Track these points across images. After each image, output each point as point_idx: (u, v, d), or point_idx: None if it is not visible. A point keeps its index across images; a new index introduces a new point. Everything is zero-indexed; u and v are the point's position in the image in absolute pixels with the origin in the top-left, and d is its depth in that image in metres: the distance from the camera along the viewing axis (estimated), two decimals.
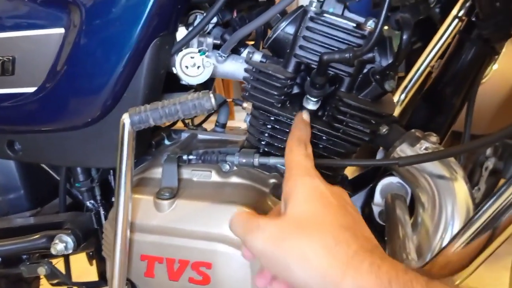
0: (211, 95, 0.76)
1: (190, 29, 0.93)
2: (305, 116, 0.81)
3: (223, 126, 1.11)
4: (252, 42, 1.12)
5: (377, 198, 0.92)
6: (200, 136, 1.08)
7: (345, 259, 0.52)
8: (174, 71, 0.92)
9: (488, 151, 2.19)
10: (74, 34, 0.82)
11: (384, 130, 0.87)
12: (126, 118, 0.76)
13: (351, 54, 0.80)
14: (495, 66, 1.74)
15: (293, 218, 0.58)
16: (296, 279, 0.55)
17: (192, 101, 0.76)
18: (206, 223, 0.83)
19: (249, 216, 0.61)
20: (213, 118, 1.13)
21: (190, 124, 1.21)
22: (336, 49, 0.85)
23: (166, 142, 1.08)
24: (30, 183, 1.15)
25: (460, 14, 1.31)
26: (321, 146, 0.91)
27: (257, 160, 0.88)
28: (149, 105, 0.77)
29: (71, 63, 0.84)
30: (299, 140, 0.72)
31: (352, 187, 1.00)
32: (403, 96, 1.60)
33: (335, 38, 0.85)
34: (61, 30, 0.84)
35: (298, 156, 0.68)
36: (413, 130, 0.88)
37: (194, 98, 0.76)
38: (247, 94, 0.90)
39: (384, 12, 0.80)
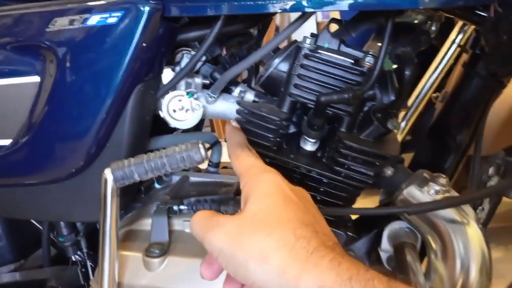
0: (200, 146, 0.69)
1: (177, 69, 0.87)
2: (234, 123, 0.78)
3: (216, 165, 1.05)
4: (244, 77, 1.07)
5: (385, 244, 0.85)
6: (192, 179, 1.01)
7: (304, 256, 0.50)
8: (161, 115, 0.85)
9: (491, 170, 2.13)
10: (51, 82, 0.76)
11: (389, 172, 0.81)
12: (108, 174, 0.70)
13: (350, 94, 0.74)
14: None
15: (252, 214, 0.56)
16: (255, 278, 0.52)
17: (180, 153, 0.69)
18: (201, 283, 0.76)
19: (209, 214, 0.59)
20: None
21: None
22: (333, 87, 0.79)
23: (156, 185, 1.02)
24: (12, 234, 1.08)
25: (458, 40, 1.27)
26: (321, 190, 0.85)
27: None
28: (133, 159, 0.70)
29: (49, 113, 0.77)
30: (240, 145, 0.70)
31: (356, 229, 0.93)
32: (403, 124, 1.56)
33: (332, 75, 0.80)
34: (36, 78, 0.78)
35: (248, 158, 0.66)
36: (420, 171, 0.82)
37: (182, 150, 0.69)
38: None
39: (384, 47, 0.75)
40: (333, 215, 0.85)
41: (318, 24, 4.36)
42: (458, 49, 1.23)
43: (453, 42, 1.23)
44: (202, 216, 0.60)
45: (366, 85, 0.76)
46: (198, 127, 0.98)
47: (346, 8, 0.65)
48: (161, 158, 0.69)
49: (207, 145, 1.00)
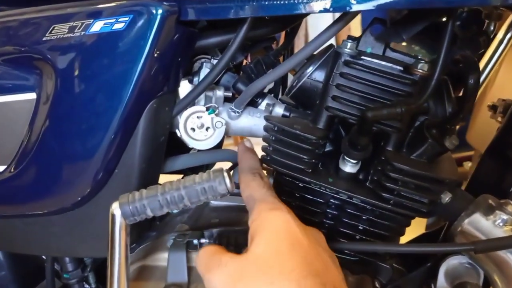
0: (225, 175, 0.58)
1: (195, 81, 0.75)
2: (248, 144, 0.72)
3: (239, 186, 0.93)
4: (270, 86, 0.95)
5: (442, 282, 0.73)
6: (213, 203, 0.90)
7: None
8: (178, 134, 0.74)
9: None
10: (49, 100, 0.65)
11: (446, 199, 0.68)
12: (116, 209, 0.59)
13: (403, 109, 0.62)
14: None
15: (256, 257, 0.52)
16: None
17: (200, 184, 0.58)
18: None
19: (213, 251, 0.56)
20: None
21: None
22: (379, 99, 0.68)
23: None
24: (15, 263, 0.98)
25: (507, 39, 1.13)
26: (364, 218, 0.73)
27: None
28: (146, 191, 0.59)
29: (47, 134, 0.67)
30: (252, 171, 0.65)
31: (405, 262, 0.80)
32: None
33: (378, 85, 0.68)
34: (32, 95, 0.67)
35: (258, 190, 0.61)
36: (483, 197, 0.69)
37: (203, 180, 0.58)
38: (268, 158, 0.72)
39: (444, 51, 0.62)
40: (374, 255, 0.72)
41: None
42: (507, 49, 1.09)
43: (501, 42, 1.10)
44: (206, 253, 0.56)
45: (421, 97, 0.64)
46: (218, 143, 0.87)
47: (405, 6, 0.53)
48: (178, 190, 0.58)
49: (229, 168, 0.89)
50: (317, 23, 3.43)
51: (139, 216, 0.59)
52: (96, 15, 0.61)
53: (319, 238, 0.59)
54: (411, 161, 0.69)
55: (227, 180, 0.58)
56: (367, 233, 0.73)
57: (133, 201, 0.59)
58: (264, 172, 0.67)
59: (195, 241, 0.73)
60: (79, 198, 0.70)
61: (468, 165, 1.84)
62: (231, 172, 0.60)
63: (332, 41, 0.71)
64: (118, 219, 0.59)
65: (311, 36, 3.35)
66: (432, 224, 0.88)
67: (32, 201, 0.74)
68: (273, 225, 0.55)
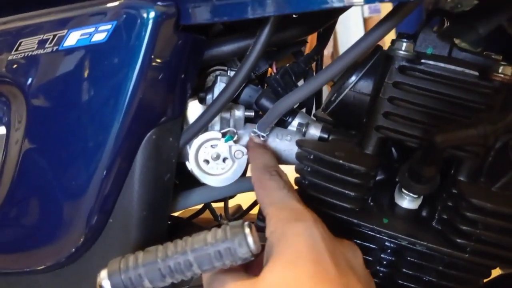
0: (247, 233, 0.43)
1: (208, 99, 0.60)
2: (257, 139, 0.61)
3: None
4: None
5: None
6: None
7: None
8: (189, 167, 0.59)
9: None
10: (20, 134, 0.51)
11: None
12: (104, 280, 0.45)
13: (486, 130, 0.45)
14: None
15: (267, 286, 0.42)
16: None
17: (214, 246, 0.43)
18: None
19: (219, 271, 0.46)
20: None
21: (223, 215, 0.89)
22: (448, 114, 0.52)
23: None
24: None
25: None
26: (432, 268, 0.56)
27: None
28: (143, 255, 0.45)
29: (21, 177, 0.53)
30: (268, 169, 0.55)
31: None
32: None
33: (446, 97, 0.52)
34: (1, 130, 0.53)
35: (277, 192, 0.52)
36: None
37: (218, 240, 0.43)
38: (304, 195, 0.56)
39: None
40: None
41: (365, 20, 3.99)
42: None
43: None
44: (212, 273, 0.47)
45: (508, 110, 0.47)
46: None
47: None
48: (185, 254, 0.44)
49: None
50: (345, 20, 3.24)
51: None
52: (71, 23, 0.47)
53: (354, 258, 0.48)
54: (494, 195, 0.53)
55: (250, 240, 0.43)
56: (433, 286, 0.57)
57: (126, 269, 0.44)
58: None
59: None
60: (73, 250, 0.56)
61: None
62: (254, 226, 0.45)
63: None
64: None
65: (340, 36, 3.17)
66: None
67: (15, 256, 0.60)
68: (294, 244, 0.45)
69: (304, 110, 0.74)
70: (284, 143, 0.63)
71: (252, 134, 0.61)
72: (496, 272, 0.77)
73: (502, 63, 0.51)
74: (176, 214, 0.86)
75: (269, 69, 0.69)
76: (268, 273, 0.43)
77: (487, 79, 0.51)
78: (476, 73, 0.52)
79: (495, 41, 0.62)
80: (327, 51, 3.13)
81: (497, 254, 0.52)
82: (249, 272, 0.49)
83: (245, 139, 0.62)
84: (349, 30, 3.16)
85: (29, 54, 0.48)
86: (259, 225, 0.80)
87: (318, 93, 0.77)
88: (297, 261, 0.43)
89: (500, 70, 0.51)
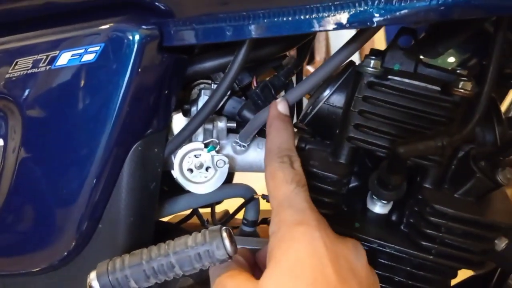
0: (224, 236, 0.47)
1: (193, 110, 0.64)
2: (282, 107, 0.55)
3: (253, 224, 0.82)
4: None
5: None
6: None
7: None
8: (174, 175, 0.63)
9: None
10: (16, 146, 0.55)
11: (502, 245, 0.55)
12: (93, 281, 0.49)
13: (444, 142, 0.49)
14: None
15: None
16: None
17: (194, 249, 0.47)
18: None
19: (223, 270, 0.47)
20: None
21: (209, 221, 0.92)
22: (413, 126, 0.55)
23: None
24: None
25: None
26: (401, 269, 0.60)
27: None
28: (129, 258, 0.49)
29: (17, 185, 0.57)
30: (281, 153, 0.51)
31: None
32: None
33: (410, 110, 0.56)
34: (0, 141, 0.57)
35: (284, 186, 0.48)
36: None
37: (198, 244, 0.47)
38: None
39: (493, 64, 0.49)
40: None
41: None
42: None
43: None
44: (214, 272, 0.48)
45: (466, 124, 0.51)
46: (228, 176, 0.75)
47: (438, 19, 0.40)
48: (167, 257, 0.47)
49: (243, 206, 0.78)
50: None
51: None
52: (63, 45, 0.51)
53: (357, 259, 0.47)
54: (456, 201, 0.56)
55: (227, 243, 0.47)
56: (403, 286, 0.61)
57: (113, 270, 0.48)
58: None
59: None
60: (65, 253, 0.60)
61: None
62: (232, 230, 0.49)
63: (356, 56, 0.59)
64: None
65: (333, 40, 3.21)
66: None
67: (11, 258, 0.64)
68: (293, 250, 0.43)
69: None
70: (264, 153, 0.67)
71: (236, 146, 0.65)
72: (468, 274, 0.81)
73: (463, 78, 0.55)
74: (166, 219, 0.90)
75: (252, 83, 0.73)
76: (267, 279, 0.43)
77: (448, 93, 0.55)
78: (438, 88, 0.55)
79: None
80: (319, 56, 3.17)
81: (460, 256, 0.56)
82: (255, 272, 0.50)
83: (227, 149, 0.66)
84: (342, 37, 3.20)
85: (25, 73, 0.52)
86: (244, 229, 0.84)
87: (298, 105, 0.82)
88: (296, 268, 0.42)
89: (460, 86, 0.55)
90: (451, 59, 0.83)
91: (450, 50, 0.64)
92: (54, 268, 0.62)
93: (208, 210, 0.98)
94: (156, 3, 0.49)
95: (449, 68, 0.59)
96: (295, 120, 0.82)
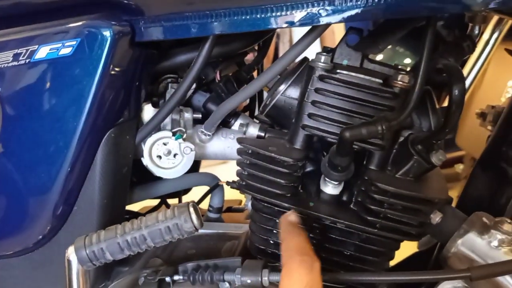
0: (191, 211, 0.52)
1: (161, 102, 0.69)
2: (293, 218, 0.58)
3: (218, 210, 0.87)
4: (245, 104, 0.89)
5: None
6: None
7: None
8: (144, 162, 0.68)
9: None
10: None
11: (437, 219, 0.63)
12: (71, 254, 0.53)
13: (383, 127, 0.56)
14: None
15: None
16: None
17: (164, 223, 0.52)
18: None
19: None
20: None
21: None
22: (359, 115, 0.63)
23: None
24: None
25: (493, 40, 1.08)
26: (350, 243, 0.67)
27: (266, 279, 0.63)
28: (104, 232, 0.54)
29: None
30: (302, 251, 0.51)
31: (398, 286, 0.75)
32: None
33: (356, 100, 0.63)
34: None
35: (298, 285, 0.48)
36: (477, 215, 0.64)
37: (167, 218, 0.52)
38: (244, 184, 0.67)
39: (424, 60, 0.57)
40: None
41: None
42: (493, 50, 1.05)
43: (487, 42, 1.05)
44: None
45: (403, 111, 0.59)
46: (194, 165, 0.81)
47: (378, 17, 0.47)
48: (140, 230, 0.53)
49: (208, 187, 0.83)
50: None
51: (98, 261, 0.53)
52: (41, 40, 0.55)
53: None
54: (397, 181, 0.64)
55: (194, 217, 0.53)
56: (353, 259, 0.68)
57: (90, 244, 0.53)
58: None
59: (168, 279, 0.67)
60: (40, 237, 0.64)
61: (459, 167, 1.79)
62: (199, 205, 0.54)
63: (318, 48, 0.66)
64: (75, 266, 0.54)
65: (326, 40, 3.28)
66: (424, 242, 0.82)
67: None
68: None
69: (248, 112, 0.84)
70: (228, 141, 0.73)
71: (202, 135, 0.70)
72: (412, 250, 0.89)
73: (402, 72, 0.63)
74: (135, 210, 0.95)
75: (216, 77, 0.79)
76: None
77: (389, 85, 0.62)
78: (381, 81, 0.63)
79: None
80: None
81: (401, 229, 0.64)
82: None
83: (194, 138, 0.71)
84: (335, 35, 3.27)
85: (5, 66, 0.57)
86: (210, 216, 0.90)
87: (260, 97, 0.88)
88: None
89: (399, 78, 0.62)
90: (408, 60, 0.91)
91: (406, 52, 0.72)
92: (30, 250, 0.66)
93: (176, 200, 1.03)
94: (127, 1, 0.55)
95: (392, 64, 0.66)
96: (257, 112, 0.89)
